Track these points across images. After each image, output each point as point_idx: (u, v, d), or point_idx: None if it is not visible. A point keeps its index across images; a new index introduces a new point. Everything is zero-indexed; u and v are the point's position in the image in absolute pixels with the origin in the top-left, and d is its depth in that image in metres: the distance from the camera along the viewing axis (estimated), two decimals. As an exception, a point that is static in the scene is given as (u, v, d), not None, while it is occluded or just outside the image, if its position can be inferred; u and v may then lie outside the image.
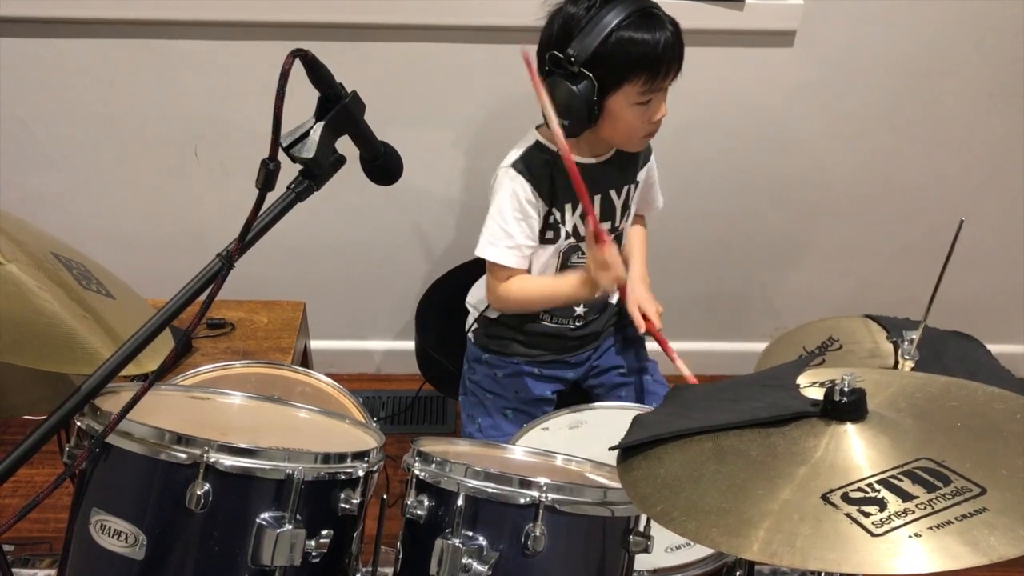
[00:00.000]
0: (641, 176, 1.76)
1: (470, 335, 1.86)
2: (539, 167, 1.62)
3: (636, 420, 1.16)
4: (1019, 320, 2.56)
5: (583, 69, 1.47)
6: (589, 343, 1.82)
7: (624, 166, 1.71)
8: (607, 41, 1.46)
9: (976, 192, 2.33)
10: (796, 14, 2.04)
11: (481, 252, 1.65)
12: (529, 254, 1.66)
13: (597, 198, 1.68)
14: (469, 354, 1.87)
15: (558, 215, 1.66)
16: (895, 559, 0.85)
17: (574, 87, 1.48)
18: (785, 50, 2.10)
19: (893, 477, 0.95)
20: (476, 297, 1.85)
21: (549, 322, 1.77)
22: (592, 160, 1.66)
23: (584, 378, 1.86)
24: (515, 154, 1.65)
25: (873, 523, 0.89)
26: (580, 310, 1.76)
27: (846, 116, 2.20)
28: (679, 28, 1.53)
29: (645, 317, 1.75)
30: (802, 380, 1.16)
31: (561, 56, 1.48)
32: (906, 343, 1.37)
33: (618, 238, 1.76)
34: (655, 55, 1.49)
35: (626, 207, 1.74)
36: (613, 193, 1.70)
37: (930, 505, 0.90)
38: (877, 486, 0.94)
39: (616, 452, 1.10)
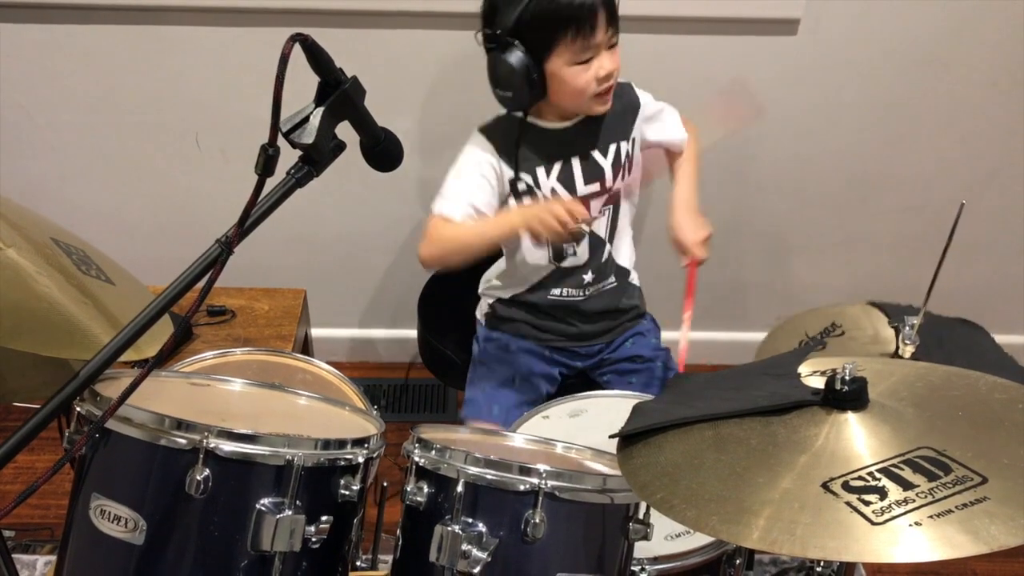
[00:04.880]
0: (636, 132, 1.72)
1: (481, 318, 1.87)
2: (505, 132, 1.64)
3: (636, 408, 1.16)
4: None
5: (510, 38, 1.49)
6: (604, 333, 1.81)
7: (603, 124, 1.68)
8: (527, 7, 1.47)
9: (981, 181, 2.33)
10: (799, 2, 2.03)
11: (436, 208, 1.63)
12: (473, 215, 1.64)
13: (576, 161, 1.67)
14: (480, 335, 1.87)
15: (529, 179, 1.66)
16: (895, 548, 0.85)
17: (506, 58, 1.50)
18: (789, 38, 2.09)
19: (894, 466, 0.95)
20: (488, 282, 1.87)
21: (558, 296, 1.76)
22: (561, 125, 1.66)
23: (593, 368, 1.86)
24: (488, 119, 1.67)
25: (873, 512, 0.88)
26: (588, 276, 1.75)
27: (849, 104, 2.20)
28: None
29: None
30: (803, 369, 1.16)
31: (489, 31, 1.51)
32: (907, 328, 1.37)
33: (613, 198, 1.73)
34: (574, 9, 1.49)
35: (618, 166, 1.70)
36: (596, 153, 1.68)
37: (931, 494, 0.90)
38: (878, 475, 0.93)
39: (616, 440, 1.11)
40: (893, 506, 0.89)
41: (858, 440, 1.00)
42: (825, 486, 0.93)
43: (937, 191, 2.32)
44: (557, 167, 1.66)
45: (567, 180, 1.67)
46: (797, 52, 2.10)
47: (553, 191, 1.67)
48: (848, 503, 0.90)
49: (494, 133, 1.65)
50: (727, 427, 1.06)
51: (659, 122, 1.78)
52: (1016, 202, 2.36)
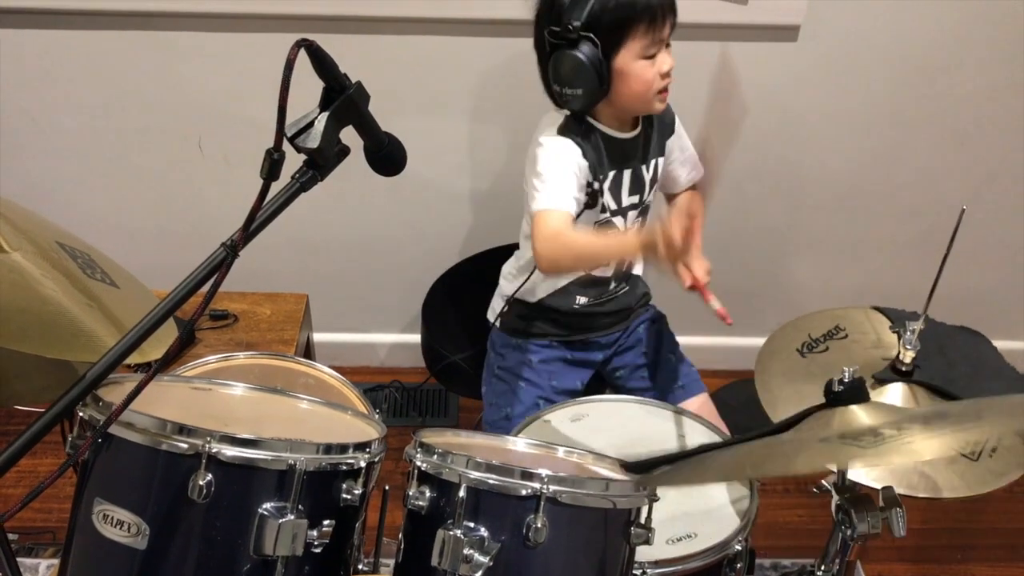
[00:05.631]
0: (669, 146, 1.76)
1: (496, 322, 1.86)
2: (585, 134, 1.62)
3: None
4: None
5: (583, 32, 1.49)
6: (620, 321, 1.84)
7: (650, 139, 1.71)
8: (598, 3, 1.48)
9: (981, 186, 2.33)
10: (800, 9, 2.04)
11: (538, 205, 1.55)
12: (580, 208, 1.62)
13: (627, 172, 1.68)
14: (496, 341, 1.87)
15: (597, 185, 1.65)
16: (885, 456, 0.92)
17: (578, 53, 1.50)
18: (789, 45, 2.10)
19: (893, 422, 0.98)
20: (509, 282, 1.84)
21: (584, 305, 1.77)
22: (623, 135, 1.67)
23: (609, 360, 1.87)
24: (556, 123, 1.64)
25: (866, 442, 0.93)
26: (612, 285, 1.79)
27: (850, 110, 2.20)
28: None
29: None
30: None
31: (558, 28, 1.50)
32: (908, 334, 1.38)
33: (644, 210, 1.75)
34: (649, 5, 1.50)
35: (655, 180, 1.74)
36: (643, 168, 1.71)
37: (927, 429, 0.94)
38: (877, 429, 0.97)
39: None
40: (887, 439, 0.93)
41: (863, 416, 1.03)
42: (822, 440, 0.97)
43: (938, 196, 2.33)
44: (611, 175, 1.67)
45: (615, 190, 1.68)
46: (798, 58, 2.11)
47: (605, 202, 1.68)
48: (843, 443, 0.95)
49: (573, 134, 1.62)
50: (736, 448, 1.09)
51: (682, 157, 1.81)
52: (1017, 206, 2.36)
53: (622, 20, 1.50)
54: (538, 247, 1.53)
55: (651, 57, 1.55)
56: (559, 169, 1.58)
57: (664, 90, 1.60)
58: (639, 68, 1.55)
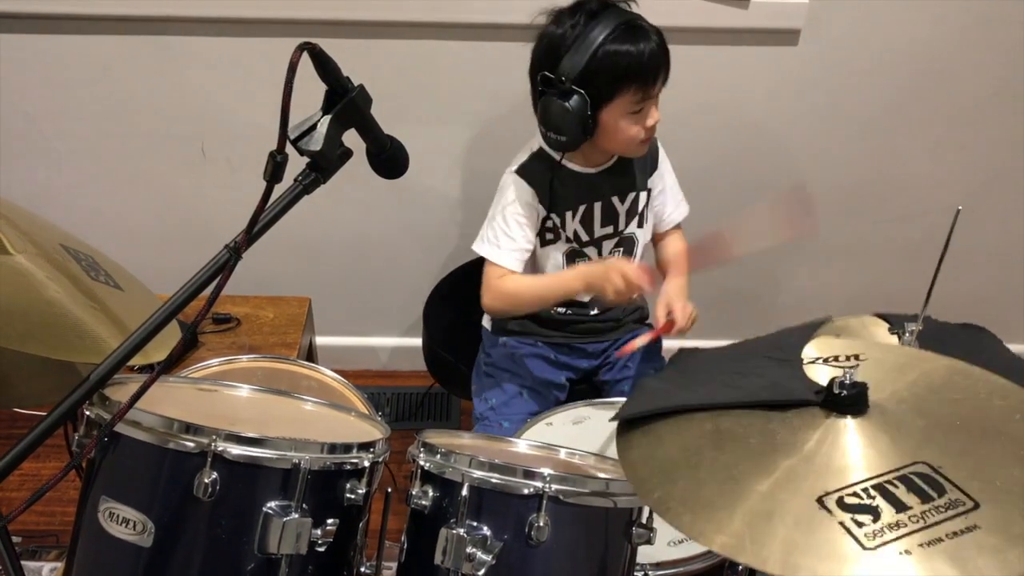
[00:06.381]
0: (652, 183, 1.79)
1: (486, 324, 1.89)
2: (541, 173, 1.67)
3: (638, 385, 1.17)
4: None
5: (574, 86, 1.51)
6: (610, 331, 1.85)
7: (626, 173, 1.73)
8: (595, 57, 1.50)
9: (982, 190, 2.34)
10: (801, 12, 2.04)
11: (481, 250, 1.69)
12: (527, 258, 1.70)
13: (598, 205, 1.72)
14: (485, 342, 1.90)
15: (557, 220, 1.70)
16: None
17: (566, 104, 1.52)
18: (790, 48, 2.10)
19: (889, 483, 0.95)
20: None
21: (563, 313, 1.80)
22: (591, 170, 1.70)
23: (597, 370, 1.88)
24: (520, 159, 1.70)
25: (866, 535, 0.89)
26: (595, 311, 1.81)
27: (850, 114, 2.21)
28: (663, 37, 1.57)
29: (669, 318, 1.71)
30: (808, 353, 1.16)
31: (552, 76, 1.52)
32: (907, 335, 1.38)
33: (623, 242, 1.78)
34: (643, 65, 1.52)
35: (633, 213, 1.76)
36: (615, 199, 1.74)
37: (923, 518, 0.91)
38: (872, 492, 0.94)
39: (617, 432, 1.11)
40: (885, 530, 0.90)
41: (856, 450, 1.00)
42: (820, 501, 0.94)
43: (938, 199, 2.33)
44: (581, 210, 1.71)
45: (587, 222, 1.72)
46: (798, 62, 2.12)
47: (575, 232, 1.72)
48: (841, 523, 0.91)
49: (531, 175, 1.67)
50: (726, 420, 1.07)
51: (663, 192, 1.83)
52: (1017, 209, 2.37)
53: (614, 80, 1.53)
54: (484, 300, 1.71)
55: (638, 112, 1.58)
56: (511, 218, 1.67)
57: (647, 139, 1.64)
58: (625, 124, 1.58)
